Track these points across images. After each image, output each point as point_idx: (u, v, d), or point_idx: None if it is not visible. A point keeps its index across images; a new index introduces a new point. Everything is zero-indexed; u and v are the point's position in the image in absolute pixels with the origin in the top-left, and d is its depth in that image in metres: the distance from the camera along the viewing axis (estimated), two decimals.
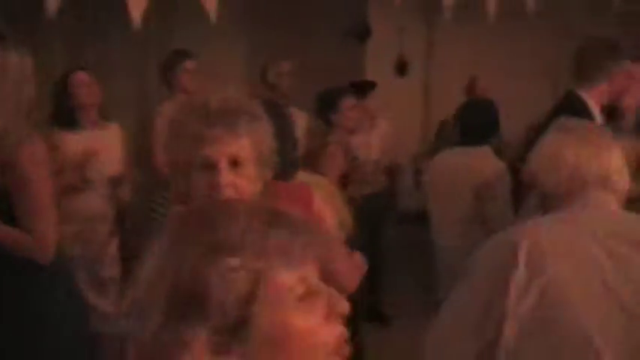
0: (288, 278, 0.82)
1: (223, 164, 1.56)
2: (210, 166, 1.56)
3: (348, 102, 4.01)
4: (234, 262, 0.80)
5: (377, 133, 5.07)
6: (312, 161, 3.69)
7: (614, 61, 2.93)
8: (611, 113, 3.03)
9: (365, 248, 4.18)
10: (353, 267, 2.23)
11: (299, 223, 0.86)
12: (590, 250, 1.58)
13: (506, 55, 6.70)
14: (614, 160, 1.70)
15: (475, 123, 3.52)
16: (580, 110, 2.82)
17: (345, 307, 0.86)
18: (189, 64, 4.21)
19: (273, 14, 6.39)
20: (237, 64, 6.51)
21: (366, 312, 4.77)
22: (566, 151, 1.68)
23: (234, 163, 1.57)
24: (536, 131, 2.94)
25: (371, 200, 4.36)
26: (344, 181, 3.87)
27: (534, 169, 1.76)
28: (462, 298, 1.65)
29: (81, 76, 3.79)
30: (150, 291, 0.83)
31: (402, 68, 6.93)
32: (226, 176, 1.56)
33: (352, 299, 2.97)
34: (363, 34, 6.66)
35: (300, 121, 4.76)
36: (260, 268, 0.81)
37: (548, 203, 1.74)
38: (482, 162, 3.45)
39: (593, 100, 2.94)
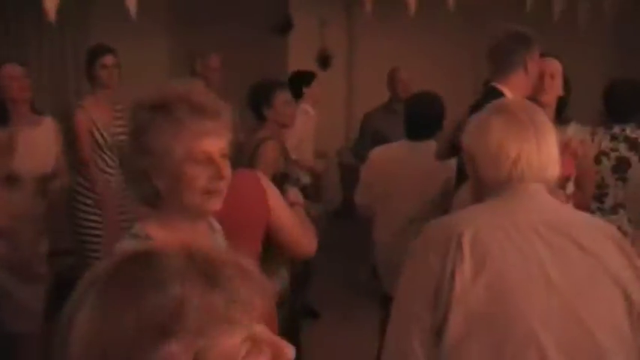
0: (231, 343, 0.78)
1: (218, 156, 1.60)
2: (208, 160, 1.58)
3: (283, 97, 3.84)
4: (175, 347, 0.75)
5: (312, 128, 5.11)
6: (245, 158, 3.63)
7: (527, 51, 2.98)
8: None
9: None
10: (308, 233, 2.37)
11: (237, 278, 0.80)
12: (531, 242, 1.60)
13: (428, 49, 6.81)
14: (551, 150, 1.71)
15: (422, 117, 3.46)
16: None
17: (290, 353, 0.82)
18: (107, 59, 4.12)
19: (193, 7, 6.28)
20: (160, 59, 6.38)
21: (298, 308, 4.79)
22: (510, 144, 1.66)
23: (224, 155, 1.62)
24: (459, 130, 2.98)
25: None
26: (281, 178, 3.79)
27: (474, 155, 1.73)
28: (413, 283, 1.63)
29: (11, 69, 3.67)
30: (82, 354, 0.78)
31: (324, 61, 6.92)
32: (224, 168, 1.60)
33: (286, 299, 3.02)
34: (284, 27, 6.62)
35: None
36: (202, 345, 0.76)
37: (483, 190, 1.73)
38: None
39: (511, 91, 2.97)
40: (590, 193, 3.40)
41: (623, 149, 3.67)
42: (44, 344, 3.80)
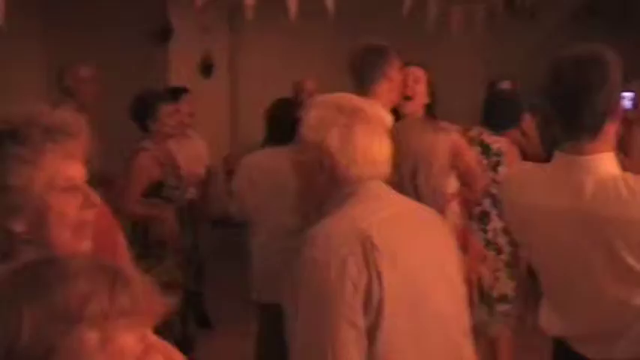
0: (130, 339, 0.88)
1: (84, 182, 1.41)
2: (74, 187, 1.39)
3: (167, 108, 3.90)
4: (84, 332, 0.84)
5: (197, 140, 5.06)
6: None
7: (386, 60, 3.05)
8: (395, 115, 3.14)
9: (189, 254, 4.15)
10: None
11: (138, 284, 0.91)
12: (408, 232, 1.72)
13: (309, 54, 6.87)
14: (389, 146, 1.79)
15: (278, 122, 3.44)
16: None
17: (179, 357, 0.96)
18: None
19: (67, 14, 6.06)
20: (32, 69, 6.10)
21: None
22: (374, 149, 1.73)
23: (87, 180, 1.43)
24: None
25: (189, 206, 4.30)
26: (157, 186, 3.77)
27: (334, 156, 1.72)
28: (332, 291, 1.58)
29: None
30: None
31: (207, 69, 6.83)
32: (93, 195, 1.41)
33: (180, 310, 3.00)
34: (164, 34, 6.47)
35: None
36: (107, 334, 0.86)
37: (338, 188, 1.74)
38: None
39: (377, 101, 2.96)
40: (478, 187, 3.45)
41: (475, 153, 3.72)
42: None
